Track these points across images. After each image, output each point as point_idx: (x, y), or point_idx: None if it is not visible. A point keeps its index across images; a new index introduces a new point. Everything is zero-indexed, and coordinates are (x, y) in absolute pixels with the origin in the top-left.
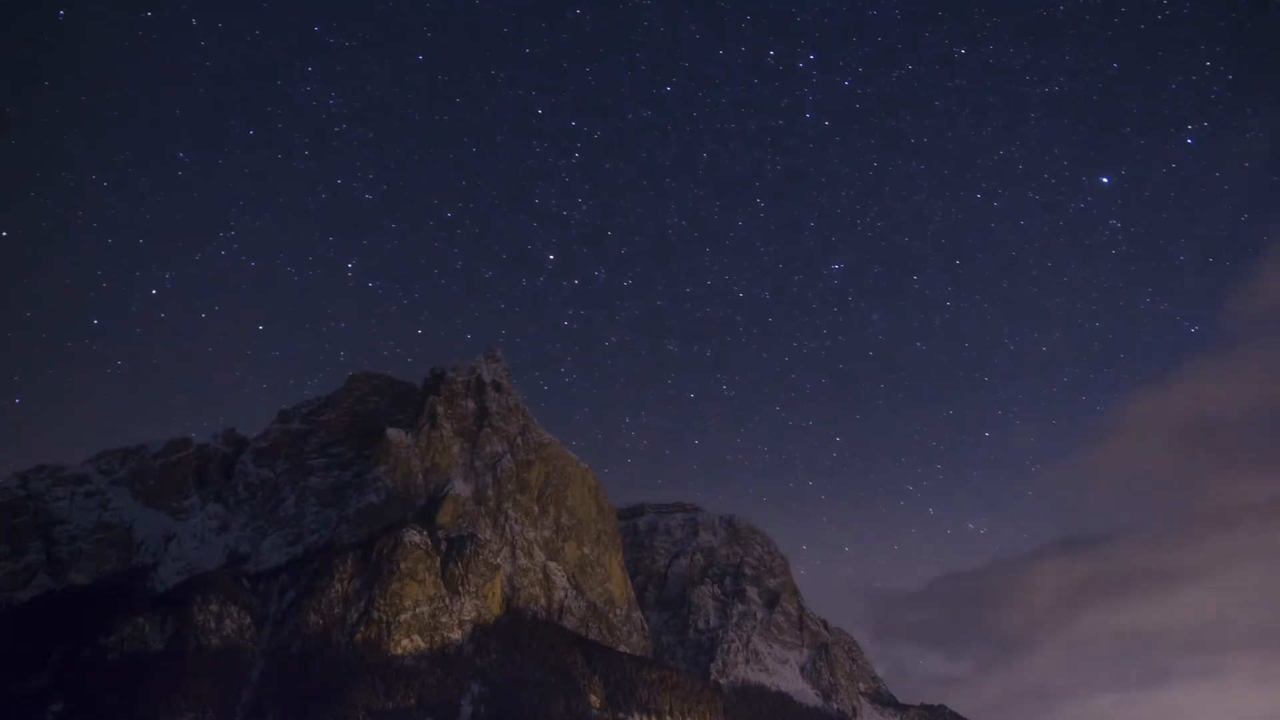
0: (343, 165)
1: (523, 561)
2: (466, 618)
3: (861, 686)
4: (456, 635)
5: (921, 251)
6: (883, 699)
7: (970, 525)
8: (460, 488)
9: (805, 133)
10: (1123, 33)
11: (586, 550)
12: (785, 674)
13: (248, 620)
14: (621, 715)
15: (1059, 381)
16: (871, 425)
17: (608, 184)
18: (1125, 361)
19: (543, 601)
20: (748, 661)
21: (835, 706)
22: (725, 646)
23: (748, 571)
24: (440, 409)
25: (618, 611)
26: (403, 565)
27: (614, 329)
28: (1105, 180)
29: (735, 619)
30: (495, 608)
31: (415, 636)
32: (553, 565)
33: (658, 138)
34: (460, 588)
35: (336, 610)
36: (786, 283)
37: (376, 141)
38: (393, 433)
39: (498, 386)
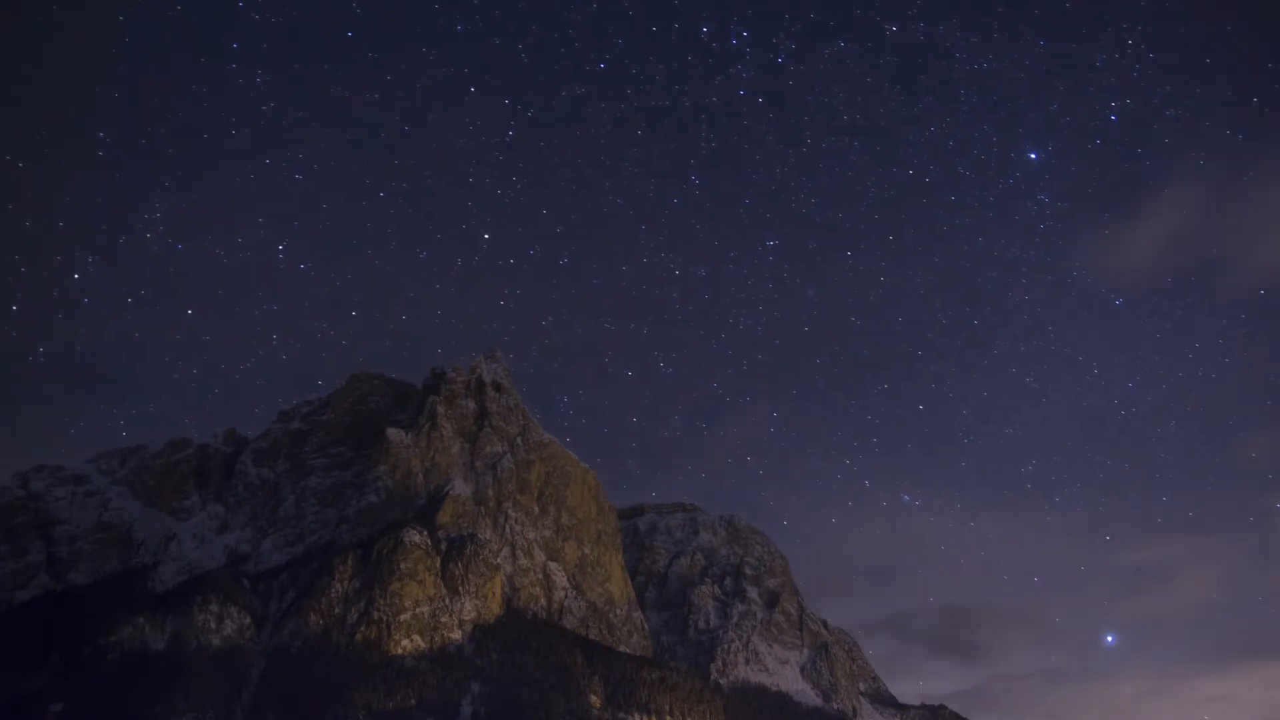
0: (271, 145)
1: (523, 561)
2: (466, 618)
3: (861, 686)
4: (456, 635)
5: (855, 227)
6: (883, 699)
7: (906, 497)
8: (460, 488)
9: (739, 109)
10: (1049, 11)
11: (586, 550)
12: (785, 674)
13: (248, 620)
14: (621, 715)
15: (990, 355)
16: (808, 400)
17: (542, 162)
18: (1054, 334)
19: (543, 601)
20: (748, 661)
21: (835, 706)
22: (725, 646)
23: (748, 571)
24: (440, 409)
25: (618, 611)
26: (403, 565)
27: (550, 308)
28: (1033, 156)
29: (735, 619)
30: (495, 608)
31: (415, 636)
32: (553, 565)
33: (591, 115)
34: (460, 588)
35: (336, 610)
36: (722, 259)
37: (306, 120)
38: (393, 433)
39: (498, 386)
